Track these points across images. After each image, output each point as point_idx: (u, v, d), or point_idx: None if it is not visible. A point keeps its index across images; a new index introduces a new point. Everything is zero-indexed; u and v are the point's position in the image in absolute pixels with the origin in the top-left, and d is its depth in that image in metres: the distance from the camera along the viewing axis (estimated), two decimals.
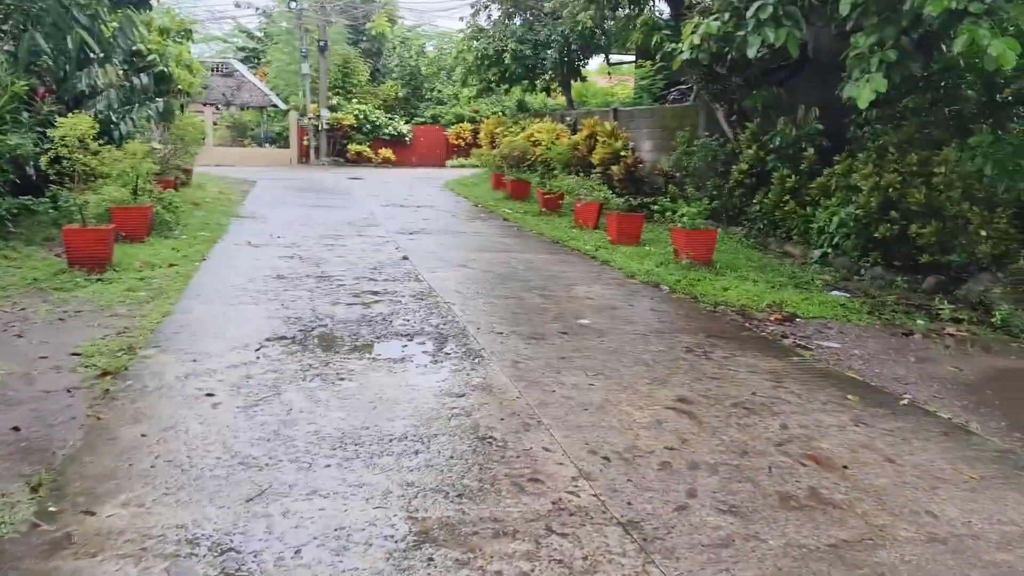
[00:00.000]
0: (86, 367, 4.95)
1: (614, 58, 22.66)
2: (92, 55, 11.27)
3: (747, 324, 6.96)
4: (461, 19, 22.14)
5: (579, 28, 18.98)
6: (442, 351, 5.60)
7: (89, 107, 11.18)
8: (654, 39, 12.15)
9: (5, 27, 9.93)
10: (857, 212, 9.15)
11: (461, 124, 33.56)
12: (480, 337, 6.00)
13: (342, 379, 4.88)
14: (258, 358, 5.24)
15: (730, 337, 6.40)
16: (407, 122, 33.65)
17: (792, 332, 6.73)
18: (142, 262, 8.37)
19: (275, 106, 32.77)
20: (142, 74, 12.79)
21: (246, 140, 33.25)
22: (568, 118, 19.76)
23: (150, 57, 14.93)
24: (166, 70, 15.22)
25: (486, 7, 22.21)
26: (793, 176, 10.69)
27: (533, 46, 20.68)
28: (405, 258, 9.62)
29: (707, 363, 5.58)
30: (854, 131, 10.57)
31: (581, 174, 15.91)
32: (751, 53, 7.55)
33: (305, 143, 31.43)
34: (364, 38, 36.93)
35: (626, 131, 16.06)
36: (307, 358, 5.29)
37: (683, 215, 9.68)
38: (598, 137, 16.15)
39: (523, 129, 20.60)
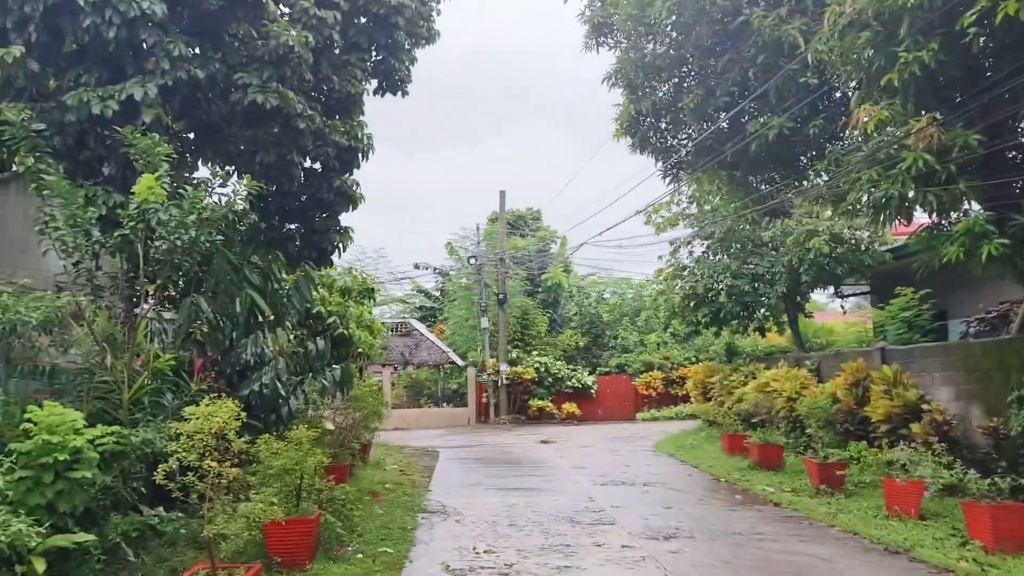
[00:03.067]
0: None
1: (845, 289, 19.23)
2: (262, 319, 9.30)
3: None
4: (660, 257, 19.92)
5: (811, 255, 16.03)
6: None
7: (254, 380, 8.98)
8: (984, 250, 8.79)
9: (151, 287, 8.03)
10: None
11: (650, 373, 30.38)
12: None
13: None
14: None
15: None
16: (590, 373, 31.02)
17: None
18: None
19: (452, 363, 31.33)
20: (318, 338, 10.72)
21: (422, 400, 31.62)
22: (808, 362, 16.10)
23: (330, 320, 13.18)
24: (345, 332, 13.37)
25: (688, 243, 19.83)
26: None
27: (750, 280, 17.75)
28: None
29: None
30: None
31: (851, 434, 12.22)
32: None
33: (484, 400, 29.37)
34: (540, 289, 35.86)
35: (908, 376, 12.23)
36: None
37: None
38: (871, 385, 12.39)
39: (748, 376, 17.12)
